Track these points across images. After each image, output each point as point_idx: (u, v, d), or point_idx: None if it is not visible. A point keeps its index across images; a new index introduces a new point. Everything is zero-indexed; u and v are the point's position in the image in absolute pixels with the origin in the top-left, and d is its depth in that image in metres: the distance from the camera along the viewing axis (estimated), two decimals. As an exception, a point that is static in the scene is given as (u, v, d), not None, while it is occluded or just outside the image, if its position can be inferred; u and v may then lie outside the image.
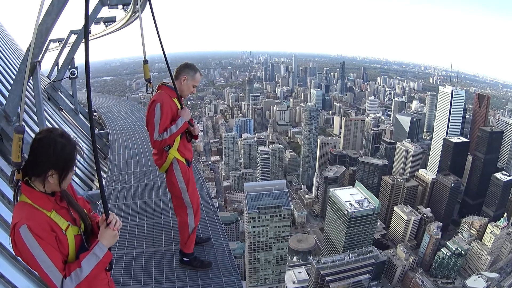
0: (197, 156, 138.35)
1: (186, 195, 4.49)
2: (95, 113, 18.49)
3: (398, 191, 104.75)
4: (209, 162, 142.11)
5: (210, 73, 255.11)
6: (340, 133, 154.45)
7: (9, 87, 7.31)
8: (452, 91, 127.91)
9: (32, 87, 7.25)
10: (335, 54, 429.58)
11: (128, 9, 10.73)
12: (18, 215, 2.01)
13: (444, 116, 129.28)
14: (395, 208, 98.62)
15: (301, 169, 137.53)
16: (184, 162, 4.45)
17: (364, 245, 78.87)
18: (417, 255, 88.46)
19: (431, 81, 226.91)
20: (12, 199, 2.18)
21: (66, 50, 12.60)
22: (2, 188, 4.85)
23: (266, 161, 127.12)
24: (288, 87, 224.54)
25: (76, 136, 11.60)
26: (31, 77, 6.48)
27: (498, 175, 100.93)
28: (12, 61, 11.36)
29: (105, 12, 10.59)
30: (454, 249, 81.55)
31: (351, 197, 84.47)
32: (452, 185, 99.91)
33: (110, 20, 13.21)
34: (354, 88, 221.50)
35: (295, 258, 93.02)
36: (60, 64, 12.48)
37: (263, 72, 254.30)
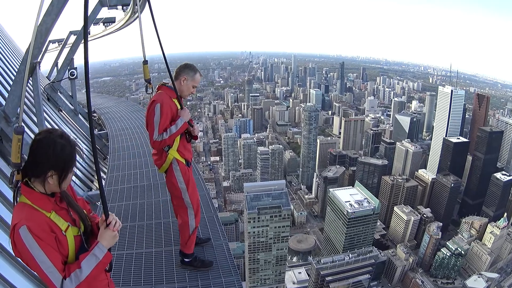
0: (196, 157, 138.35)
1: (186, 195, 4.48)
2: (95, 114, 18.49)
3: (398, 191, 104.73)
4: (209, 163, 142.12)
5: (209, 73, 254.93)
6: (339, 133, 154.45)
7: (9, 88, 7.31)
8: (452, 91, 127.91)
9: (32, 88, 7.25)
10: (334, 54, 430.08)
11: (128, 10, 10.73)
12: (17, 216, 2.01)
13: (443, 116, 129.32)
14: (395, 208, 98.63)
15: (300, 169, 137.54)
16: (184, 162, 4.44)
17: (364, 245, 78.89)
18: (417, 255, 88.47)
19: (430, 81, 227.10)
20: (12, 200, 2.18)
21: (66, 51, 12.60)
22: (2, 189, 4.84)
23: (265, 162, 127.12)
24: (288, 88, 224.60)
25: (75, 137, 11.60)
26: (31, 78, 6.48)
27: (498, 175, 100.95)
28: (12, 62, 11.35)
29: (104, 12, 10.60)
30: (454, 249, 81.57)
31: (351, 197, 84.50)
32: (452, 185, 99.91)
33: (109, 21, 13.20)
34: (354, 88, 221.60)
35: (295, 259, 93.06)
36: (59, 65, 12.46)
37: (262, 73, 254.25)
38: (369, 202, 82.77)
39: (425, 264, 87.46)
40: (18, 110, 5.58)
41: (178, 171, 4.38)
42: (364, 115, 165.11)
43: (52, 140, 2.05)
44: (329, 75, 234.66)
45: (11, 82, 8.10)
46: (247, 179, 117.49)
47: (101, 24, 13.53)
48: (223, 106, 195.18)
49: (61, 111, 12.09)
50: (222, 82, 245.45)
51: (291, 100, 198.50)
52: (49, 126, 8.53)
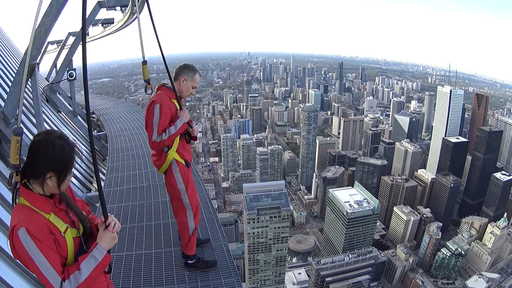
0: (196, 157, 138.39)
1: (186, 196, 4.47)
2: (94, 115, 18.48)
3: (398, 191, 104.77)
4: (208, 163, 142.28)
5: (208, 74, 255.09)
6: (339, 133, 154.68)
7: (8, 89, 7.30)
8: (451, 91, 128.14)
9: (31, 89, 7.24)
10: (333, 55, 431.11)
11: (126, 11, 10.72)
12: (16, 217, 2.00)
13: (443, 116, 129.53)
14: (395, 208, 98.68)
15: (300, 169, 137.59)
16: (183, 163, 4.43)
17: (364, 246, 79.00)
18: (417, 256, 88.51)
19: (429, 81, 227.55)
20: (11, 202, 2.17)
21: (65, 52, 12.59)
22: (1, 191, 4.83)
23: (265, 162, 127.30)
24: (287, 88, 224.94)
25: (74, 138, 11.56)
26: (30, 79, 6.48)
27: (498, 175, 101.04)
28: (11, 63, 11.34)
29: (103, 13, 10.59)
30: (454, 249, 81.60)
31: (350, 197, 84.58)
32: (452, 185, 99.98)
33: (108, 22, 13.19)
34: (353, 88, 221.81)
35: (294, 259, 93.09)
36: (58, 66, 12.46)
37: (261, 73, 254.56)
38: (368, 203, 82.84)
39: (425, 265, 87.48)
40: (17, 112, 5.58)
41: (177, 172, 4.37)
42: (363, 115, 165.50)
43: (51, 141, 2.05)
44: (328, 75, 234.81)
45: (10, 84, 8.09)
46: (247, 179, 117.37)
47: (100, 25, 13.52)
48: (222, 106, 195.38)
49: (60, 112, 12.07)
50: (221, 82, 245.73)
51: (290, 100, 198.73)
52: (48, 128, 8.52)
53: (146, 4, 4.12)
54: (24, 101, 8.02)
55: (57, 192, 2.18)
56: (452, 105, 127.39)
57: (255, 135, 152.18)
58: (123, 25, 12.78)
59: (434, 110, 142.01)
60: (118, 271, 4.91)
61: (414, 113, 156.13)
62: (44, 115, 8.64)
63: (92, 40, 17.58)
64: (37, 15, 2.75)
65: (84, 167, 9.94)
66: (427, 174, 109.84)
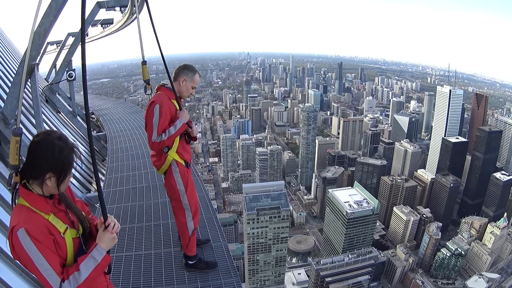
0: (195, 158, 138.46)
1: (185, 197, 4.47)
2: (93, 115, 18.48)
3: (397, 192, 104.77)
4: (208, 164, 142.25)
5: (207, 74, 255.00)
6: (338, 133, 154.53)
7: (7, 90, 7.30)
8: (450, 90, 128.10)
9: (30, 90, 7.24)
10: (332, 55, 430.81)
11: (126, 11, 10.72)
12: (16, 218, 2.00)
13: (442, 116, 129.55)
14: (394, 208, 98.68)
15: (299, 170, 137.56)
16: (183, 164, 4.43)
17: (364, 246, 79.00)
18: (417, 256, 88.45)
19: (429, 81, 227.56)
20: (10, 202, 2.17)
21: (64, 53, 12.58)
22: (0, 191, 4.82)
23: (264, 162, 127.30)
24: (286, 88, 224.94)
25: (74, 139, 11.58)
26: (29, 80, 6.47)
27: (498, 174, 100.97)
28: (10, 64, 11.34)
29: (102, 14, 10.59)
30: (454, 249, 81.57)
31: (350, 197, 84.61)
32: (451, 185, 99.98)
33: (107, 22, 13.18)
34: (352, 88, 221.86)
35: (294, 260, 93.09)
36: (58, 67, 12.46)
37: (260, 73, 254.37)
38: (368, 203, 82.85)
39: (425, 265, 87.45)
40: (17, 112, 5.57)
41: (177, 172, 4.37)
42: (362, 115, 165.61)
43: (51, 142, 2.05)
44: (327, 76, 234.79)
45: (9, 84, 8.09)
46: (246, 180, 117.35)
47: (99, 25, 13.52)
48: (222, 107, 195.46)
49: (60, 113, 12.07)
50: (220, 83, 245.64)
51: (289, 100, 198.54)
52: (47, 128, 8.51)
53: (145, 5, 4.12)
54: (24, 101, 8.03)
55: (57, 192, 2.17)
56: (452, 105, 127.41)
57: (254, 136, 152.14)
58: (122, 25, 12.78)
59: (434, 110, 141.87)
60: (117, 271, 4.92)
61: (413, 113, 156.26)
62: (43, 116, 8.64)
63: (92, 41, 17.58)
64: (37, 16, 2.75)
65: (83, 168, 9.93)
66: (427, 174, 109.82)
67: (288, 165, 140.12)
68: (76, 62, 11.72)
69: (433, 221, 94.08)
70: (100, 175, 9.52)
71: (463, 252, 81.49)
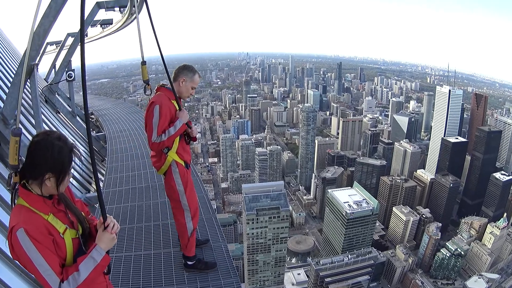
0: (195, 158, 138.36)
1: (184, 198, 4.47)
2: (92, 116, 18.47)
3: (397, 192, 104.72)
4: (207, 164, 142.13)
5: (207, 74, 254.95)
6: (337, 133, 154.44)
7: (7, 90, 7.29)
8: (450, 91, 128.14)
9: (30, 90, 7.23)
10: (332, 55, 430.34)
11: (125, 11, 10.71)
12: (15, 218, 2.00)
13: (441, 116, 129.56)
14: (394, 208, 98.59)
15: (299, 170, 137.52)
16: (183, 164, 4.43)
17: (363, 246, 78.96)
18: (417, 256, 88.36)
19: (428, 81, 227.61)
20: (10, 202, 2.17)
21: (63, 53, 12.56)
22: (0, 191, 4.83)
23: (264, 163, 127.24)
24: (285, 88, 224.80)
25: (73, 139, 11.58)
26: (28, 80, 6.46)
27: (497, 175, 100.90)
28: (10, 64, 11.34)
29: (102, 14, 10.58)
30: (453, 249, 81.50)
31: (350, 198, 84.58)
32: (451, 185, 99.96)
33: (107, 23, 13.17)
34: (352, 88, 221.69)
35: (294, 260, 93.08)
36: (57, 67, 12.44)
37: (260, 73, 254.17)
38: (367, 203, 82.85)
39: (424, 265, 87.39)
40: (16, 112, 5.57)
41: (177, 173, 4.37)
42: (362, 116, 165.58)
43: (50, 142, 2.05)
44: (326, 76, 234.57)
45: (9, 84, 8.09)
46: (246, 180, 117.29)
47: (99, 26, 13.51)
48: (221, 107, 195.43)
49: (59, 113, 12.06)
50: (219, 83, 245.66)
51: (288, 101, 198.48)
52: (46, 128, 8.51)
53: (145, 5, 4.12)
54: (23, 101, 8.03)
55: (56, 192, 2.18)
56: (451, 105, 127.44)
57: (254, 136, 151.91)
58: (122, 25, 12.77)
59: (433, 110, 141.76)
60: (117, 272, 4.92)
61: (413, 113, 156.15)
62: (43, 116, 8.63)
63: (91, 41, 17.56)
64: (36, 16, 2.75)
65: (83, 168, 9.92)
66: (426, 174, 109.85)
67: (287, 165, 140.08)
68: (76, 62, 11.74)
69: (433, 221, 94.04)
70: (99, 176, 9.52)
71: (462, 253, 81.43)
